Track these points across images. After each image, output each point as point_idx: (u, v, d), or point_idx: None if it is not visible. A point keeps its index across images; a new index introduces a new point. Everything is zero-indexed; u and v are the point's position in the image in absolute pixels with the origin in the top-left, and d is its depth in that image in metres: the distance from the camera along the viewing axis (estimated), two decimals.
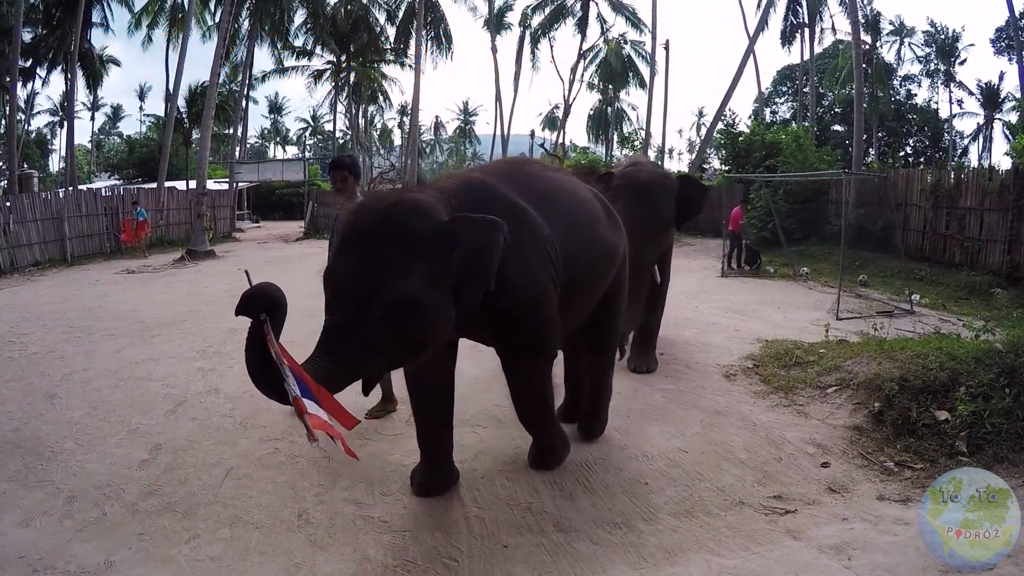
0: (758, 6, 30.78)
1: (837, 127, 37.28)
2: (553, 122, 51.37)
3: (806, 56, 33.93)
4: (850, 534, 3.61)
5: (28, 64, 30.72)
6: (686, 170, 24.10)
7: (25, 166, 32.75)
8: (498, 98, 37.15)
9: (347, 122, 43.32)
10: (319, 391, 2.82)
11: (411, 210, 3.25)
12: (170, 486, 4.17)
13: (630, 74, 38.02)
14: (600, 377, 4.80)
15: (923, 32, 40.21)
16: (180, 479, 4.26)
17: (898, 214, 14.64)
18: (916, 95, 40.35)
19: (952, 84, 41.22)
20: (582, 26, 35.14)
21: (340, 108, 41.74)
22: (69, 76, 29.90)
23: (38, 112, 46.08)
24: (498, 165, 4.85)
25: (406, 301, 3.07)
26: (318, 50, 35.35)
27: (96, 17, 31.58)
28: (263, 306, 2.78)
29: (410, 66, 32.42)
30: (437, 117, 72.93)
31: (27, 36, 28.33)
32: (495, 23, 35.95)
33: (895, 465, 4.39)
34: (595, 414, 4.88)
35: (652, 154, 29.87)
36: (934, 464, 4.31)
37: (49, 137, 50.24)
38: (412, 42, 31.39)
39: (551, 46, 37.60)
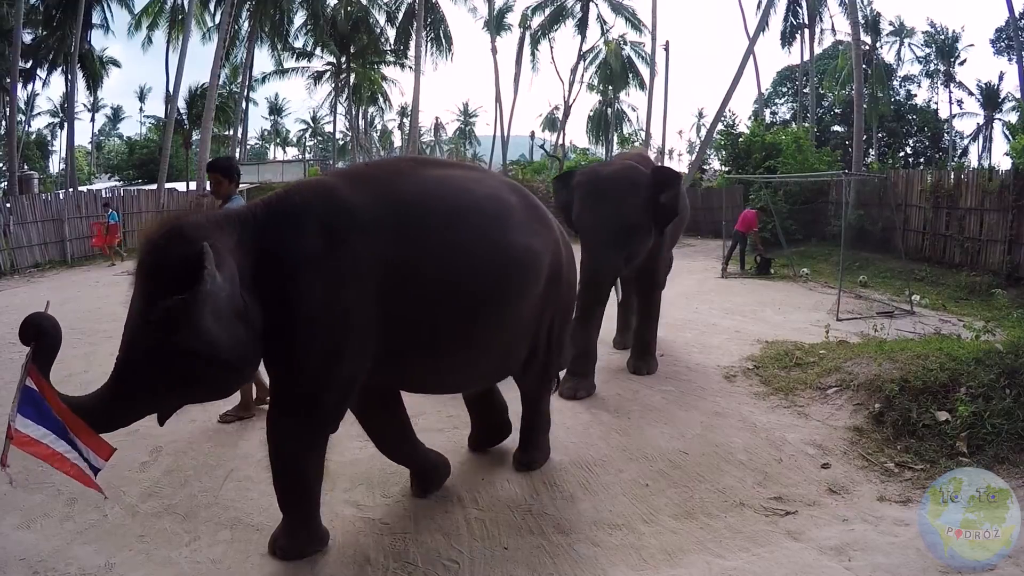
0: (758, 7, 30.81)
1: (837, 128, 37.27)
2: (553, 123, 51.32)
3: (806, 57, 33.92)
4: (851, 535, 3.62)
5: (28, 65, 30.76)
6: (686, 171, 24.01)
7: (25, 167, 32.82)
8: (498, 99, 37.03)
9: (347, 123, 43.42)
10: (74, 423, 2.73)
11: (173, 238, 2.80)
12: (170, 488, 4.15)
13: (630, 75, 37.88)
14: (534, 406, 4.32)
15: (923, 32, 40.15)
16: (180, 481, 4.25)
17: (898, 215, 14.69)
18: (916, 95, 40.38)
19: (952, 84, 41.16)
20: (582, 27, 35.06)
21: (340, 109, 41.79)
22: (69, 77, 29.97)
23: (38, 113, 45.96)
24: (358, 167, 4.04)
25: (161, 344, 2.71)
26: (318, 51, 35.43)
27: (96, 18, 31.62)
28: (30, 335, 2.70)
29: (410, 67, 32.54)
30: (437, 118, 72.80)
31: (27, 37, 28.33)
32: (495, 24, 35.86)
33: (895, 466, 4.40)
34: (532, 443, 4.37)
35: (652, 155, 29.77)
36: (934, 465, 4.32)
37: (49, 138, 50.14)
38: (412, 43, 31.41)
39: (551, 47, 37.41)
